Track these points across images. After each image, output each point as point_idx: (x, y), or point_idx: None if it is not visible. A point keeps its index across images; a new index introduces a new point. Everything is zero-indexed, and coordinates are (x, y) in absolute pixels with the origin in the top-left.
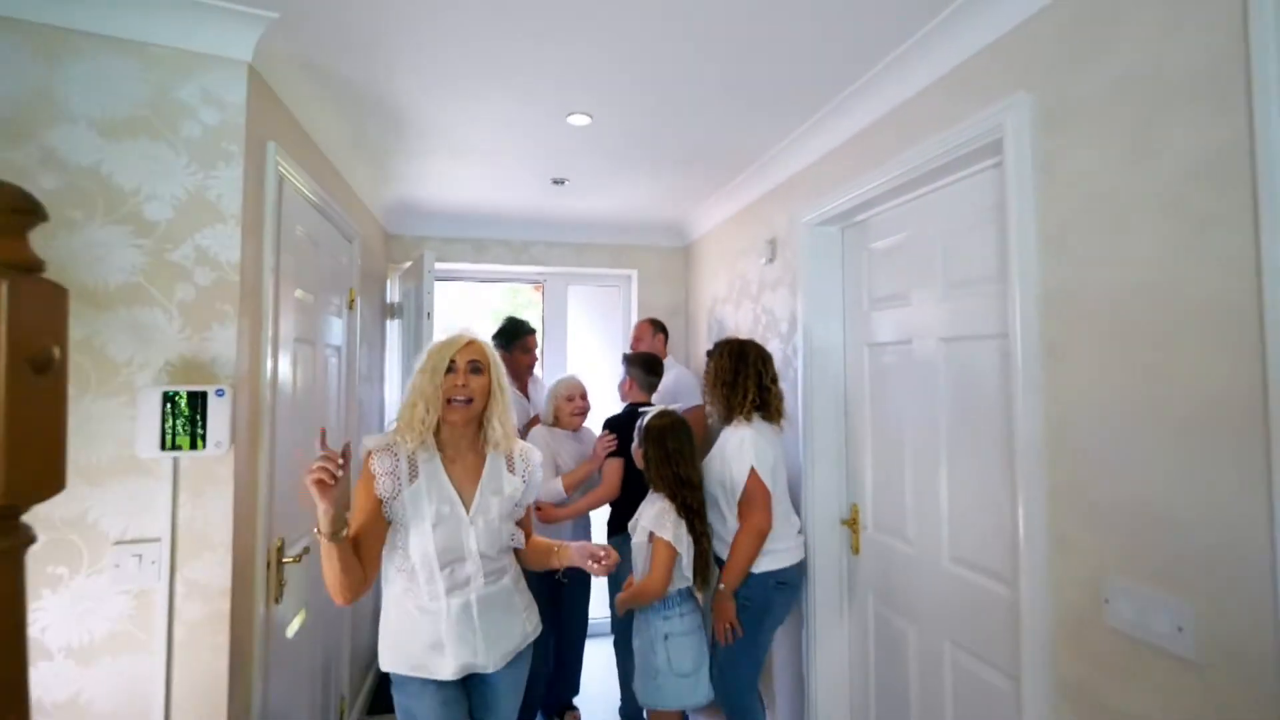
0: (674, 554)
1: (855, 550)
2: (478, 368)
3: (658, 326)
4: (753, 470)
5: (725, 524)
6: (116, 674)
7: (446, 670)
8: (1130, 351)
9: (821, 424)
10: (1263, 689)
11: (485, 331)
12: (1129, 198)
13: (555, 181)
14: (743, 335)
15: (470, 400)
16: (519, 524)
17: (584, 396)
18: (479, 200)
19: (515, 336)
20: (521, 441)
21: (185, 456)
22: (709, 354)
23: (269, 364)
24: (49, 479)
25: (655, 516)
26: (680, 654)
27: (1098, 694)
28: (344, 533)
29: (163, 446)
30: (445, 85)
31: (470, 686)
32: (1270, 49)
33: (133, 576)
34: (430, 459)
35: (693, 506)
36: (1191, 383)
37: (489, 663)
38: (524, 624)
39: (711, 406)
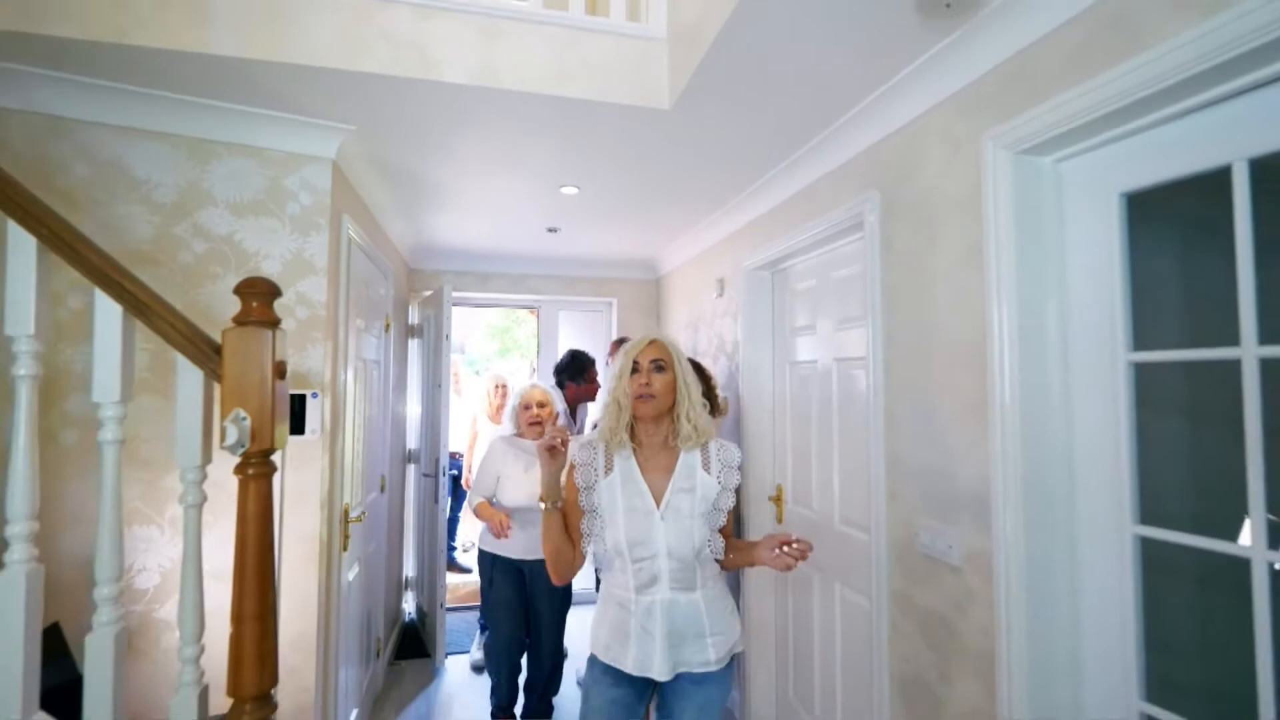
0: None
1: (780, 520)
2: (660, 366)
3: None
4: None
5: None
6: None
7: (628, 662)
8: (928, 371)
9: (756, 423)
10: (985, 578)
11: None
12: (928, 271)
13: (550, 230)
14: (700, 355)
15: (655, 397)
16: (721, 533)
17: (541, 405)
18: (486, 242)
19: (583, 370)
20: (721, 440)
21: (292, 440)
22: None
23: (342, 375)
24: (282, 437)
25: None
26: None
27: (911, 597)
28: (558, 503)
29: None
30: (467, 166)
31: (661, 694)
32: (989, 189)
33: None
34: (625, 455)
35: None
36: (957, 391)
37: (664, 671)
38: (709, 649)
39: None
